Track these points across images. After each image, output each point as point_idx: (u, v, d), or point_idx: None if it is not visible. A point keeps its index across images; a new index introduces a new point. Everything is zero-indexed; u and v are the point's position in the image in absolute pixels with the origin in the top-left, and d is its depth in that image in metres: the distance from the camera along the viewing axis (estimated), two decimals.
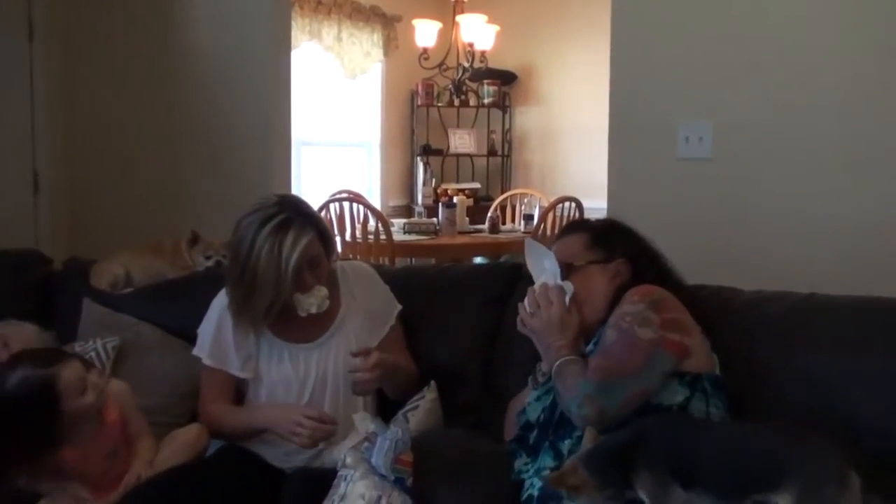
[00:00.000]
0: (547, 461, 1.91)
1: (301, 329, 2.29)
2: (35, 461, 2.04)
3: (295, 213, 2.20)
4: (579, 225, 2.25)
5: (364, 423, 2.03)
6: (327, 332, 2.32)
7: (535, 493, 1.88)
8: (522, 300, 2.07)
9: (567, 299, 2.00)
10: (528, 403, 2.06)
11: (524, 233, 6.06)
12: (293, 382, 2.28)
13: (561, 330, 1.97)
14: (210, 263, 2.90)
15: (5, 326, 2.45)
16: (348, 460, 1.95)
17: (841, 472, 1.51)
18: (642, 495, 1.63)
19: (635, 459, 1.64)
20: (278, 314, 2.26)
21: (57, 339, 2.59)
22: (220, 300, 2.35)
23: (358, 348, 2.22)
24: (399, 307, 2.44)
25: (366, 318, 2.37)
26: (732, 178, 3.15)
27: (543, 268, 2.08)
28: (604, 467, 1.66)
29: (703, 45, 3.17)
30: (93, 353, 2.52)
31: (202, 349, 2.35)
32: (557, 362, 1.91)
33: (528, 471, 1.97)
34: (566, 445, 1.89)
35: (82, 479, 2.10)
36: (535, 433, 2.00)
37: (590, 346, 2.00)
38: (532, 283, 2.10)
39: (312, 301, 2.23)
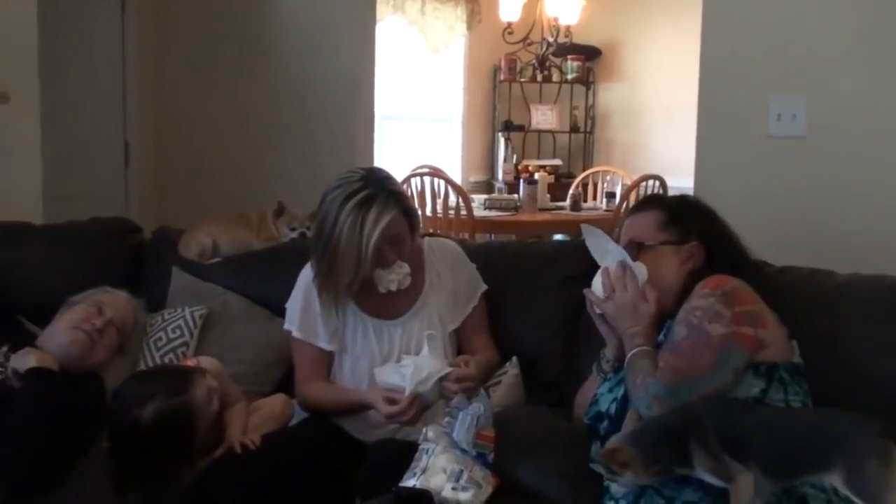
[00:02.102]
0: None
1: (385, 305, 2.29)
2: (173, 477, 2.08)
3: (379, 189, 2.19)
4: (655, 201, 2.16)
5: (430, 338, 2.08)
6: (411, 309, 2.32)
7: None
8: (589, 285, 2.01)
9: (641, 283, 1.94)
10: (599, 394, 2.01)
11: (606, 210, 6.00)
12: (376, 358, 2.29)
13: (635, 316, 1.90)
14: (295, 235, 2.93)
15: (99, 293, 2.51)
16: (430, 434, 1.95)
17: (882, 446, 1.49)
18: (701, 472, 1.61)
19: (686, 438, 1.62)
20: (361, 288, 2.27)
21: (148, 305, 2.64)
22: (306, 274, 2.36)
23: (454, 359, 2.19)
24: (484, 287, 2.41)
25: (450, 297, 2.36)
26: (826, 158, 3.05)
27: (607, 250, 2.00)
28: (652, 446, 1.65)
29: (799, 16, 3.07)
30: (181, 321, 2.58)
31: (292, 322, 2.37)
32: (631, 353, 1.86)
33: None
34: None
35: None
36: (605, 424, 1.95)
37: (660, 338, 1.93)
38: (597, 266, 2.02)
39: (393, 278, 2.23)
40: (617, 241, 2.06)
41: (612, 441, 1.71)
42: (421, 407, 2.08)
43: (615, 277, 1.94)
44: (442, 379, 2.06)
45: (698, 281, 1.90)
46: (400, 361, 2.15)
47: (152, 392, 2.06)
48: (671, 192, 5.50)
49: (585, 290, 2.02)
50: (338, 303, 2.30)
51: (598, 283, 1.98)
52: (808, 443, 1.57)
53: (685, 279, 1.94)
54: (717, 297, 1.82)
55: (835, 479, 1.52)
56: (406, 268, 2.24)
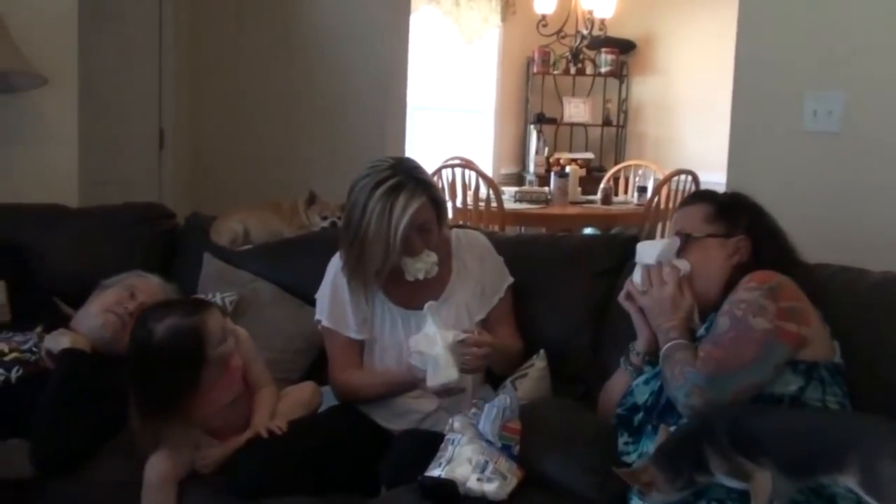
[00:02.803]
0: (649, 445, 1.87)
1: (412, 294, 2.30)
2: (177, 405, 2.11)
3: (408, 178, 2.20)
4: (704, 195, 2.15)
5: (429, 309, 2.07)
6: (437, 300, 2.30)
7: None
8: (630, 276, 2.04)
9: (680, 277, 1.95)
10: (635, 385, 2.02)
11: (637, 205, 5.96)
12: (404, 347, 2.27)
13: (673, 310, 1.92)
14: (325, 224, 2.95)
15: (132, 277, 2.54)
16: (456, 425, 1.96)
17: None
18: (719, 476, 1.61)
19: (701, 445, 1.63)
20: (389, 277, 2.28)
21: (179, 291, 2.67)
22: (335, 264, 2.37)
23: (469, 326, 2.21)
24: (510, 280, 2.41)
25: (476, 287, 2.36)
26: (862, 154, 3.01)
27: (654, 248, 2.01)
28: (672, 459, 1.66)
29: (835, 11, 3.03)
30: None
31: (322, 311, 2.38)
32: (667, 345, 1.87)
33: (629, 451, 1.95)
34: None
35: (204, 425, 2.18)
36: (640, 415, 1.96)
37: (701, 331, 1.94)
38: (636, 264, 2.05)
39: (420, 266, 2.24)
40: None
41: (639, 462, 1.71)
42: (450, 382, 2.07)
43: (653, 272, 1.97)
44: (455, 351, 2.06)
45: (744, 275, 1.90)
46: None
47: (169, 311, 2.16)
48: (703, 187, 5.50)
49: (627, 282, 2.04)
50: (367, 291, 2.31)
51: (638, 276, 2.01)
52: (822, 443, 1.57)
53: (731, 272, 1.95)
54: (763, 291, 1.82)
55: (849, 480, 1.51)
56: (434, 256, 2.25)
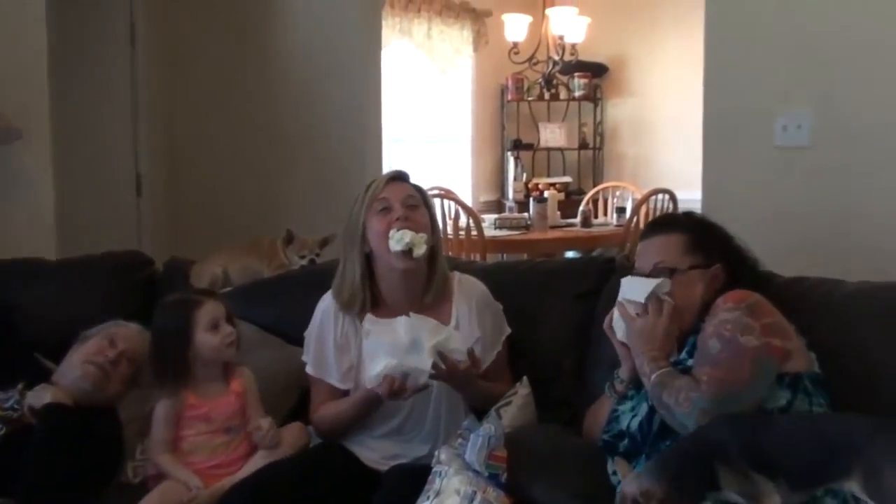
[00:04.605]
0: None
1: None
2: (165, 372, 2.28)
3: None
4: (673, 223, 2.15)
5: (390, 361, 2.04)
6: None
7: None
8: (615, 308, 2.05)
9: (665, 300, 1.97)
10: (620, 412, 2.03)
11: (617, 226, 6.00)
12: None
13: (663, 342, 1.94)
14: (304, 262, 2.95)
15: (112, 326, 2.53)
16: (443, 457, 1.95)
17: None
18: (729, 493, 1.62)
19: (711, 462, 1.63)
20: (381, 312, 2.25)
21: None
22: (323, 305, 2.36)
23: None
24: (508, 331, 2.37)
25: (476, 343, 2.25)
26: (832, 167, 3.05)
27: (647, 290, 2.00)
28: (678, 478, 1.65)
29: (802, 27, 3.08)
30: None
31: (307, 355, 2.37)
32: (658, 373, 1.88)
33: (619, 480, 1.93)
34: None
35: (201, 450, 2.23)
36: (626, 442, 1.97)
37: (682, 355, 1.96)
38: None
39: (402, 237, 2.18)
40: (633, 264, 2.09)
41: (634, 480, 1.70)
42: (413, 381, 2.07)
43: (653, 301, 1.97)
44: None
45: (717, 297, 1.93)
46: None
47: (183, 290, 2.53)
48: (681, 205, 5.54)
49: (618, 303, 2.05)
50: (358, 329, 2.27)
51: (632, 309, 2.01)
52: (828, 451, 1.58)
53: (708, 298, 1.97)
54: (743, 310, 1.85)
55: (853, 486, 1.53)
56: (424, 236, 2.21)
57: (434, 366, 2.05)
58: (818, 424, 1.72)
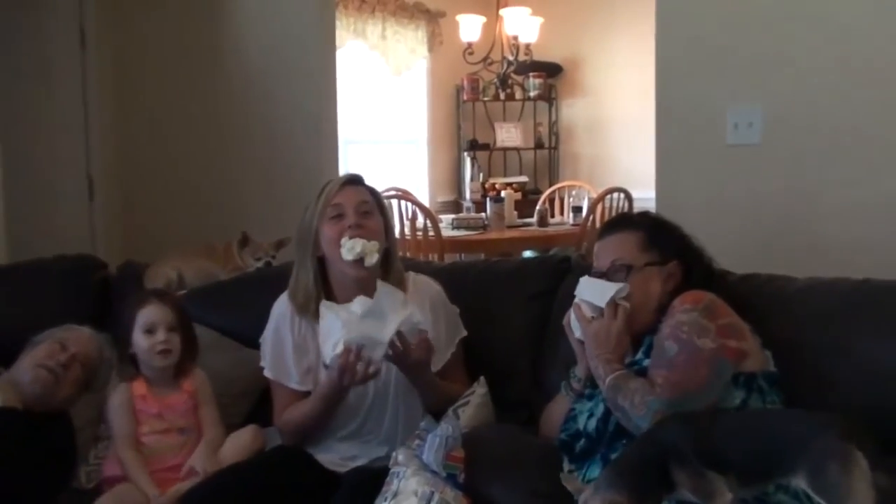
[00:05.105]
0: (596, 471, 1.89)
1: None
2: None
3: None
4: (627, 221, 2.17)
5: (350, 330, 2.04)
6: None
7: None
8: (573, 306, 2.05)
9: (621, 304, 1.98)
10: (577, 412, 2.04)
11: (573, 225, 6.03)
12: (352, 396, 2.24)
13: (616, 344, 1.95)
14: (260, 265, 2.94)
15: (62, 331, 2.50)
16: (400, 458, 1.95)
17: (842, 448, 1.51)
18: (687, 493, 1.62)
19: (666, 462, 1.63)
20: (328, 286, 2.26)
21: (112, 340, 2.63)
22: (278, 308, 2.35)
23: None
24: (463, 333, 2.37)
25: (435, 343, 2.25)
26: (783, 165, 3.10)
27: (609, 294, 2.00)
28: (635, 482, 1.65)
29: (751, 25, 3.12)
30: None
31: (265, 359, 2.35)
32: (612, 376, 1.89)
33: (577, 477, 1.94)
34: None
35: (156, 452, 2.24)
36: (582, 442, 1.98)
37: (638, 356, 1.97)
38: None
39: (354, 245, 2.18)
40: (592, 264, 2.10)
41: (595, 493, 1.68)
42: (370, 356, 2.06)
43: (608, 304, 1.98)
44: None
45: (673, 297, 1.95)
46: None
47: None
48: (637, 204, 5.59)
49: (575, 304, 2.05)
50: (314, 332, 2.27)
51: (588, 311, 2.01)
52: (776, 447, 1.59)
53: (666, 297, 1.98)
54: (699, 311, 1.86)
55: (800, 481, 1.54)
56: (376, 244, 2.21)
57: (391, 344, 2.06)
58: (765, 420, 1.74)
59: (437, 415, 2.17)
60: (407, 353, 2.11)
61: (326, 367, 2.16)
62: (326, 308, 2.15)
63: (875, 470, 1.49)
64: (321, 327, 2.18)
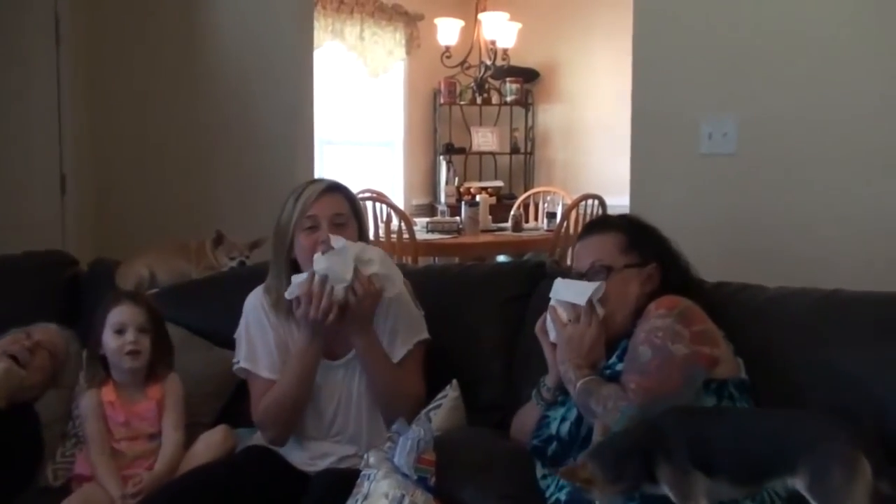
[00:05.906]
0: None
1: (328, 344, 2.25)
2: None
3: (319, 180, 2.31)
4: (609, 223, 2.18)
5: (318, 262, 2.11)
6: (352, 351, 2.28)
7: (563, 497, 1.87)
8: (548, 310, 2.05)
9: (597, 309, 1.98)
10: (551, 417, 2.03)
11: (547, 230, 6.05)
12: (320, 398, 2.26)
13: (589, 351, 1.95)
14: (234, 264, 2.92)
15: (28, 327, 2.48)
16: (371, 460, 1.95)
17: (850, 455, 1.51)
18: (665, 488, 1.62)
19: (654, 453, 1.63)
20: None
21: (77, 336, 2.60)
22: (250, 302, 2.35)
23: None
24: (425, 336, 2.35)
25: (391, 339, 2.29)
26: (756, 174, 3.12)
27: (586, 294, 1.99)
28: (617, 462, 1.64)
29: (727, 37, 3.14)
30: None
31: (239, 352, 2.34)
32: (584, 380, 1.88)
33: (549, 484, 1.95)
34: None
35: (125, 457, 2.23)
36: (554, 445, 1.98)
37: (612, 359, 1.97)
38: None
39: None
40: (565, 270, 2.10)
41: (579, 457, 1.70)
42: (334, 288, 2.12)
43: (584, 310, 1.97)
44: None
45: (650, 301, 1.95)
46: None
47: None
48: (611, 211, 5.61)
49: (551, 306, 2.04)
50: (289, 329, 2.28)
51: (564, 314, 2.01)
52: (777, 446, 1.58)
53: (643, 300, 1.98)
54: (674, 317, 1.86)
55: (798, 483, 1.53)
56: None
57: (351, 284, 2.12)
58: (771, 421, 1.71)
59: (387, 409, 2.20)
60: (363, 296, 2.14)
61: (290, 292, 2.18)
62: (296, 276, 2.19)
63: (879, 478, 1.49)
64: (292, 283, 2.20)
